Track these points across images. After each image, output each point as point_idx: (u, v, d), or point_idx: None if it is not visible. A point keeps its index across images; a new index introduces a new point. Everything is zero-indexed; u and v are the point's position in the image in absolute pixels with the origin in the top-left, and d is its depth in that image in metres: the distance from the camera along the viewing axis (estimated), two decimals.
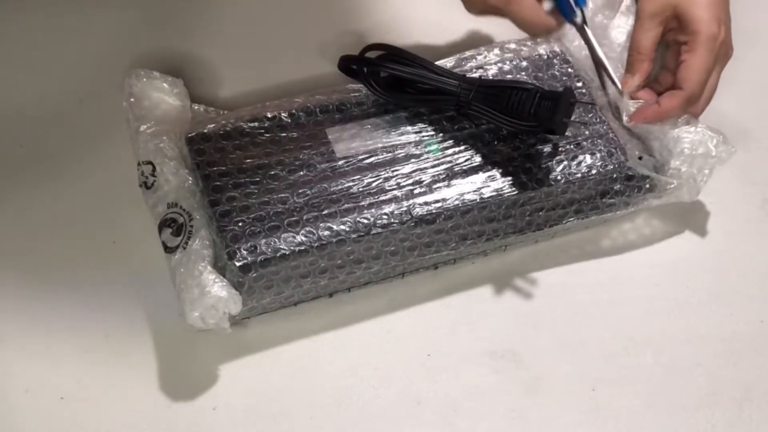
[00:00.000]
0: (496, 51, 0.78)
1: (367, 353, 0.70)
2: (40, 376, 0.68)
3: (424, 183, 0.70)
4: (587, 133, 0.73)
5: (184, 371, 0.69)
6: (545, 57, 0.78)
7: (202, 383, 0.68)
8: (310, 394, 0.68)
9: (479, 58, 0.77)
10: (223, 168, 0.69)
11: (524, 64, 0.77)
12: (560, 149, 0.72)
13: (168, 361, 0.69)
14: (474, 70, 0.76)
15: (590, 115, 0.74)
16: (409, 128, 0.72)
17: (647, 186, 0.74)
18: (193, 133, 0.70)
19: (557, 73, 0.77)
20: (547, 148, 0.72)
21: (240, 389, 0.68)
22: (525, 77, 0.76)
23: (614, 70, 0.76)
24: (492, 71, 0.77)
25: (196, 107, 0.75)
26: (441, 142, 0.72)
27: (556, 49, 0.79)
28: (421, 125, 0.73)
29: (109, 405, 0.67)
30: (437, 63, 0.75)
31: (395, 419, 0.68)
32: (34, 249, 0.74)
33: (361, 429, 0.67)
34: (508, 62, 0.77)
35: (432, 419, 0.68)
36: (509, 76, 0.76)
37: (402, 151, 0.71)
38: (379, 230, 0.68)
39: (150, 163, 0.69)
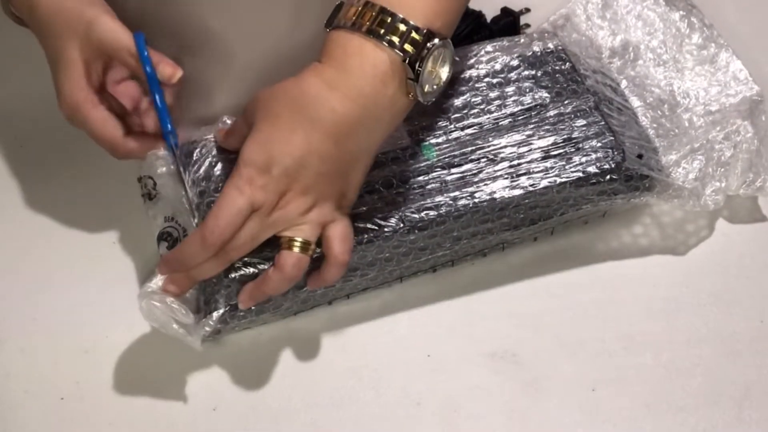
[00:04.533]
0: (488, 48, 0.77)
1: (367, 354, 0.70)
2: (40, 376, 0.68)
3: (417, 189, 0.69)
4: (583, 133, 0.73)
5: (184, 371, 0.69)
6: (539, 54, 0.77)
7: (202, 383, 0.68)
8: (310, 394, 0.68)
9: (471, 55, 0.76)
10: (219, 185, 0.68)
11: (516, 62, 0.76)
12: (557, 150, 0.72)
13: (168, 361, 0.69)
14: (465, 69, 0.76)
15: (588, 116, 0.74)
16: (404, 133, 0.72)
17: (646, 185, 0.73)
18: (189, 147, 0.69)
19: (551, 70, 0.76)
20: (543, 151, 0.72)
21: (240, 389, 0.68)
22: (516, 76, 0.76)
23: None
24: (484, 69, 0.76)
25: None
26: (436, 147, 0.72)
27: (551, 45, 0.77)
28: (416, 130, 0.72)
29: (109, 405, 0.67)
30: None
31: (395, 420, 0.68)
32: (34, 249, 0.74)
33: (361, 429, 0.67)
34: (500, 60, 0.76)
35: (432, 419, 0.68)
36: (501, 74, 0.76)
37: (396, 156, 0.71)
38: (372, 238, 0.67)
39: (151, 177, 0.69)
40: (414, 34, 0.61)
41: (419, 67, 0.61)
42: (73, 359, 0.69)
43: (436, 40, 0.62)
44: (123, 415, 0.67)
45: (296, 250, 0.62)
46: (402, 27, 0.61)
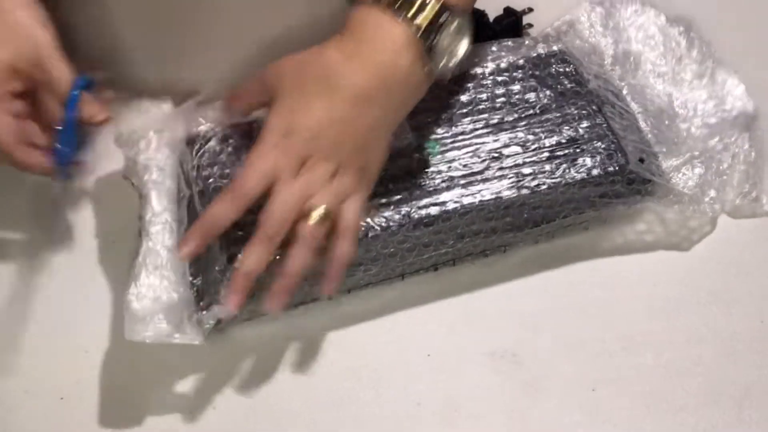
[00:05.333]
0: (493, 48, 0.77)
1: (367, 353, 0.70)
2: (40, 376, 0.68)
3: (423, 185, 0.70)
4: (586, 135, 0.73)
5: (185, 371, 0.69)
6: (543, 56, 0.77)
7: (202, 383, 0.68)
8: (310, 394, 0.68)
9: (475, 54, 0.76)
10: (225, 170, 0.69)
11: (521, 62, 0.77)
12: (560, 151, 0.72)
13: (168, 361, 0.69)
14: (470, 67, 0.76)
15: (592, 118, 0.74)
16: (407, 128, 0.72)
17: (648, 189, 0.73)
18: (193, 136, 0.70)
19: (555, 72, 0.76)
20: (547, 151, 0.72)
21: (240, 389, 0.68)
22: (521, 75, 0.76)
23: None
24: (489, 68, 0.76)
25: (195, 107, 0.74)
26: (440, 144, 0.72)
27: (555, 48, 0.78)
28: (420, 127, 0.72)
29: (109, 405, 0.67)
30: None
31: (395, 419, 0.68)
32: (34, 249, 0.74)
33: (361, 429, 0.67)
34: (504, 61, 0.77)
35: (432, 419, 0.68)
36: (506, 73, 0.76)
37: (401, 152, 0.71)
38: (378, 232, 0.67)
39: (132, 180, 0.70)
40: (429, 9, 0.63)
41: (434, 41, 0.63)
42: (73, 359, 0.69)
43: (452, 15, 0.63)
44: (123, 415, 0.67)
45: (316, 219, 0.63)
46: (418, 1, 0.63)
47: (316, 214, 0.63)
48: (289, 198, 0.63)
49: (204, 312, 0.66)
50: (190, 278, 0.67)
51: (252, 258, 0.63)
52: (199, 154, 0.69)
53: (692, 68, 0.80)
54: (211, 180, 0.68)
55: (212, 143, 0.70)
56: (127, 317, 0.63)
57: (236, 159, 0.69)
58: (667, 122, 0.77)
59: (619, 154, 0.72)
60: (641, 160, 0.73)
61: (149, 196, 0.68)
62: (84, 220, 0.75)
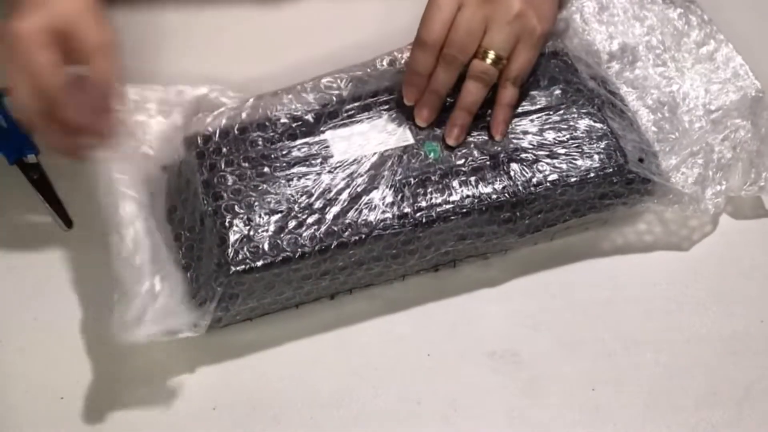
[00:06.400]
0: None
1: (367, 353, 0.70)
2: (40, 376, 0.68)
3: (424, 185, 0.70)
4: (586, 135, 0.73)
5: (184, 370, 0.69)
6: (542, 57, 0.76)
7: (202, 383, 0.68)
8: (310, 394, 0.68)
9: None
10: (230, 157, 0.69)
11: None
12: (560, 151, 0.72)
13: (168, 360, 0.69)
14: None
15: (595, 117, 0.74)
16: (408, 130, 0.72)
17: (648, 189, 0.73)
18: (193, 134, 0.70)
19: (555, 73, 0.76)
20: (547, 150, 0.72)
21: (240, 389, 0.68)
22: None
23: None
24: None
25: (196, 97, 0.74)
26: (441, 143, 0.72)
27: (553, 49, 0.77)
28: (421, 128, 0.72)
29: (109, 404, 0.67)
30: None
31: (395, 419, 0.68)
32: (34, 249, 0.74)
33: (361, 429, 0.67)
34: None
35: (432, 419, 0.68)
36: None
37: (402, 153, 0.71)
38: (381, 232, 0.67)
39: None
40: None
41: None
42: (73, 359, 0.69)
43: None
44: (123, 415, 0.67)
45: (490, 60, 0.70)
46: None
47: (490, 56, 0.70)
48: (472, 22, 0.69)
49: (201, 306, 0.66)
50: (181, 269, 0.67)
51: (439, 77, 0.70)
52: (203, 142, 0.69)
53: (693, 52, 0.79)
54: (216, 168, 0.68)
55: (217, 132, 0.70)
56: (116, 320, 0.62)
57: (242, 147, 0.69)
58: (667, 114, 0.77)
59: (619, 154, 0.72)
60: (641, 160, 0.73)
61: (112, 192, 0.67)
62: (83, 219, 0.75)
